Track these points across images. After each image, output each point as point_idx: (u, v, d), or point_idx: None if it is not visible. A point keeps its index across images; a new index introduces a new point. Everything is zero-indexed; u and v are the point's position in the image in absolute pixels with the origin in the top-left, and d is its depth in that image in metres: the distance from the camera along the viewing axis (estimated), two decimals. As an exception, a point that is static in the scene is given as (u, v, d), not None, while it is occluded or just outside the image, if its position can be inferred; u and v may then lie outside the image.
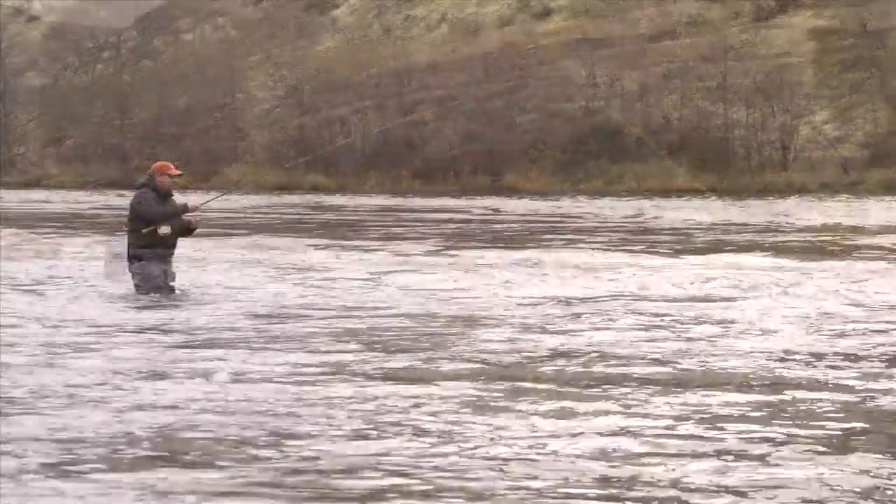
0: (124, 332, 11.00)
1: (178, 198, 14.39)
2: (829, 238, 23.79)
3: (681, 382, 8.39)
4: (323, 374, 8.66)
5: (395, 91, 63.35)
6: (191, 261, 17.24)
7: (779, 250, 20.34)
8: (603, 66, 60.61)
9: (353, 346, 10.28)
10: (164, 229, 13.34)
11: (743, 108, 57.56)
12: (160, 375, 8.71)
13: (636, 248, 21.18)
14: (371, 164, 60.96)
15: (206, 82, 67.32)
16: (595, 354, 9.61)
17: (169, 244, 13.55)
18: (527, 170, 57.50)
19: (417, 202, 44.46)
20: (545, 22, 70.41)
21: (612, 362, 9.26)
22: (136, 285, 13.51)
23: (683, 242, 22.81)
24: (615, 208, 38.52)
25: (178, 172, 13.81)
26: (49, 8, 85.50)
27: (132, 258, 13.55)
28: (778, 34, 61.76)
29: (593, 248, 21.06)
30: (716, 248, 21.26)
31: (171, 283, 13.58)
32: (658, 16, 63.24)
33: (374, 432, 6.84)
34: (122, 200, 40.84)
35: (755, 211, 36.51)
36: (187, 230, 13.73)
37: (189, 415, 7.23)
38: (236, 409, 7.28)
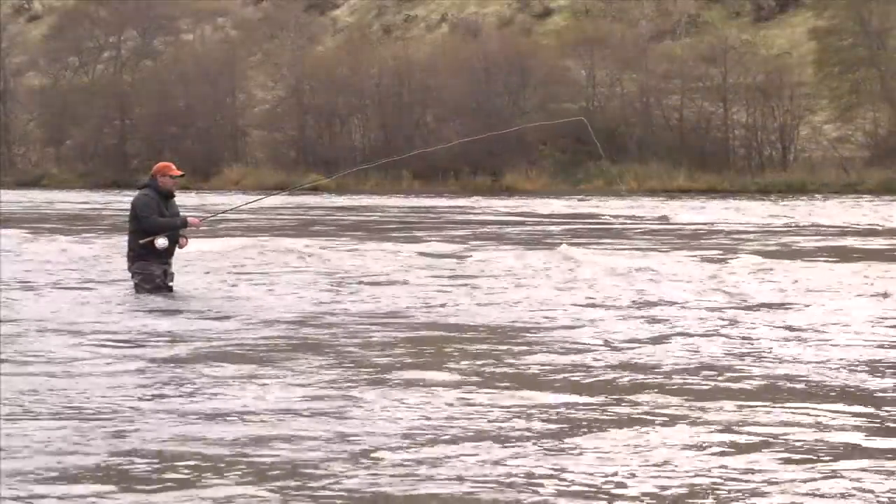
0: (147, 340, 10.98)
1: (181, 201, 14.43)
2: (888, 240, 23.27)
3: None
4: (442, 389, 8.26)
5: (395, 91, 63.38)
6: (248, 268, 16.97)
7: (838, 253, 19.98)
8: (603, 66, 60.66)
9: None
10: (161, 242, 13.27)
11: (743, 108, 57.61)
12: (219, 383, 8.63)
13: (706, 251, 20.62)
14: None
15: (206, 82, 67.33)
16: (723, 365, 9.13)
17: (170, 244, 13.55)
18: (527, 170, 57.52)
19: (461, 202, 44.49)
20: (545, 22, 70.50)
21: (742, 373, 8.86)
22: (136, 285, 13.50)
23: (739, 244, 22.35)
24: (638, 208, 38.49)
25: (180, 173, 13.78)
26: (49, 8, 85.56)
27: (132, 258, 13.57)
28: (778, 34, 61.82)
29: (667, 252, 20.22)
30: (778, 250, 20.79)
31: (170, 284, 13.59)
32: (658, 16, 63.30)
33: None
34: (120, 199, 40.94)
35: (777, 210, 36.31)
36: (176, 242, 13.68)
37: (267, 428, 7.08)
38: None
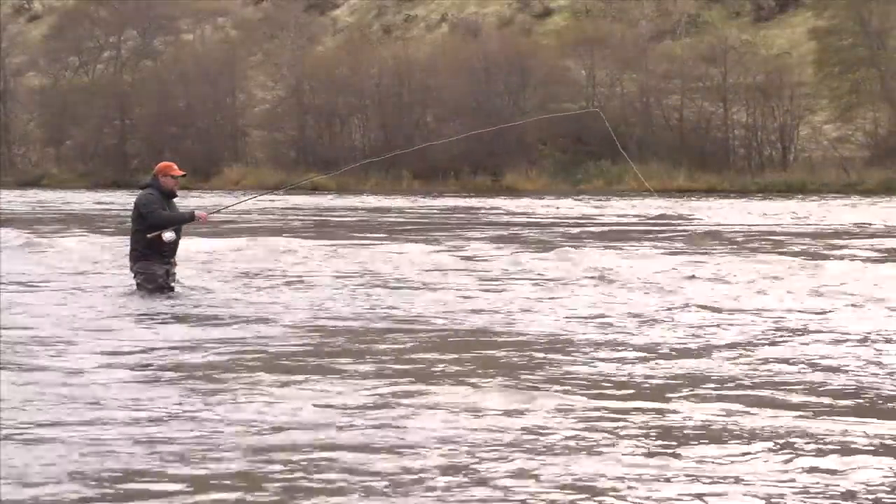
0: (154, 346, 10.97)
1: (182, 201, 14.41)
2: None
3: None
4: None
5: (395, 91, 63.37)
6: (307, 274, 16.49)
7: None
8: (603, 66, 60.65)
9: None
10: (169, 235, 13.35)
11: (743, 108, 57.61)
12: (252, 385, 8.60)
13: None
14: (371, 165, 60.93)
15: (206, 82, 67.32)
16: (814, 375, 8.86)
17: (175, 244, 13.57)
18: (527, 170, 57.50)
19: (489, 202, 44.28)
20: (545, 22, 70.50)
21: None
22: (138, 284, 13.55)
23: (787, 245, 22.12)
24: (647, 207, 38.38)
25: (181, 173, 13.84)
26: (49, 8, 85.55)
27: (135, 258, 13.61)
28: (778, 34, 61.81)
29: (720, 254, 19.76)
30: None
31: (173, 284, 13.62)
32: (658, 16, 63.29)
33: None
34: (121, 199, 40.96)
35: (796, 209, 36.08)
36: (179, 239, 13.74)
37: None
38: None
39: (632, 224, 29.87)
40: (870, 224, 28.61)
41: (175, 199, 13.91)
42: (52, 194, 53.69)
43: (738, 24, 62.60)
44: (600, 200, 44.11)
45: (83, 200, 47.06)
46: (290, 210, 38.45)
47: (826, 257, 19.00)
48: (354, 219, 33.37)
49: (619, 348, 10.02)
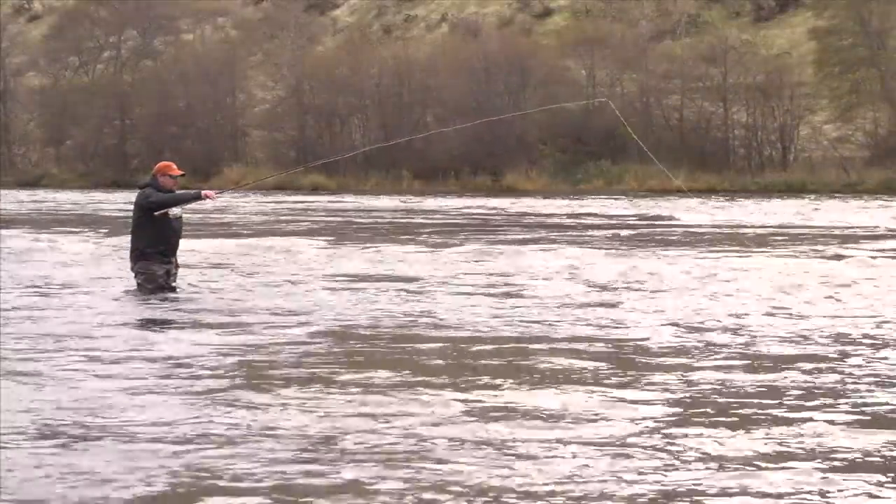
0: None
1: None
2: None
3: None
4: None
5: (395, 91, 63.37)
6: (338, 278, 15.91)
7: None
8: (603, 66, 60.65)
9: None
10: (175, 211, 13.52)
11: (743, 108, 57.61)
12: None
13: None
14: (371, 165, 61.02)
15: (206, 82, 67.33)
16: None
17: (172, 243, 13.60)
18: (527, 169, 57.50)
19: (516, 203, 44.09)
20: (545, 22, 70.51)
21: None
22: (138, 284, 13.60)
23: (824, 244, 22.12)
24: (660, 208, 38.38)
25: (180, 172, 13.90)
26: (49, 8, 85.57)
27: (135, 258, 13.67)
28: (778, 34, 61.82)
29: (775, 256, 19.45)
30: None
31: (173, 283, 13.64)
32: (658, 16, 63.30)
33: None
34: (119, 198, 40.95)
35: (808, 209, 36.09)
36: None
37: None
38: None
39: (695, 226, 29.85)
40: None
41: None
42: (53, 194, 53.71)
43: (738, 24, 62.61)
44: (644, 200, 43.88)
45: (83, 200, 47.06)
46: (302, 211, 38.38)
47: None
48: (438, 221, 32.94)
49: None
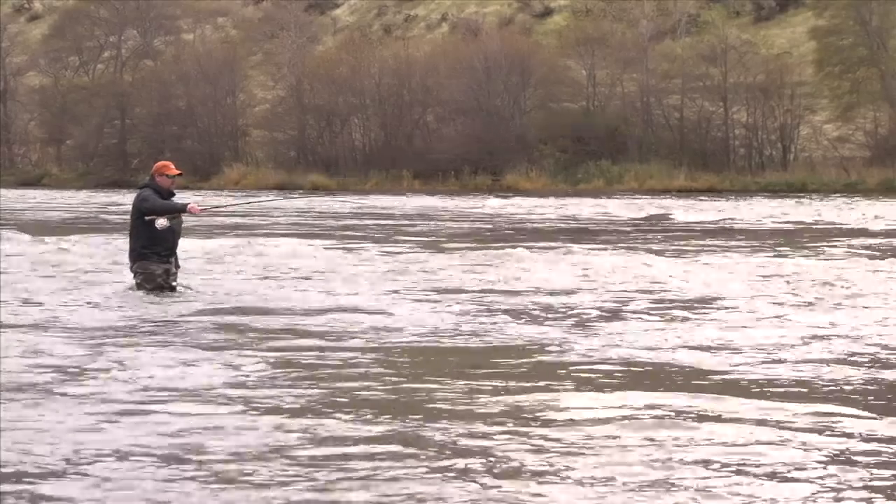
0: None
1: (179, 199, 14.39)
2: None
3: None
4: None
5: (395, 91, 63.38)
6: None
7: None
8: (603, 65, 60.66)
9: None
10: (162, 222, 13.44)
11: (743, 108, 57.62)
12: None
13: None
14: (371, 164, 61.06)
15: (206, 82, 67.33)
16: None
17: (170, 243, 13.61)
18: (527, 169, 57.52)
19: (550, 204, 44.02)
20: (545, 21, 70.52)
21: None
22: (137, 284, 13.63)
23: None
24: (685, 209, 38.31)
25: (177, 172, 13.90)
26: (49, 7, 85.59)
27: (134, 258, 13.70)
28: (778, 34, 61.84)
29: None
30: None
31: (174, 283, 13.65)
32: (658, 15, 63.29)
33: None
34: (120, 198, 40.95)
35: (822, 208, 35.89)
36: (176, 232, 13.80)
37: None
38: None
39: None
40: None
41: (175, 198, 13.99)
42: (53, 194, 53.72)
43: (739, 23, 62.62)
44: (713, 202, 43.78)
45: (83, 200, 47.07)
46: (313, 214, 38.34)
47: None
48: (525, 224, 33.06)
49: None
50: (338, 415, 7.33)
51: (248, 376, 8.62)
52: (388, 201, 43.53)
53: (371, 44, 68.71)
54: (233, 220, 30.45)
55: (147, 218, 13.49)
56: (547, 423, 7.13)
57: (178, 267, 13.97)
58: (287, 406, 7.60)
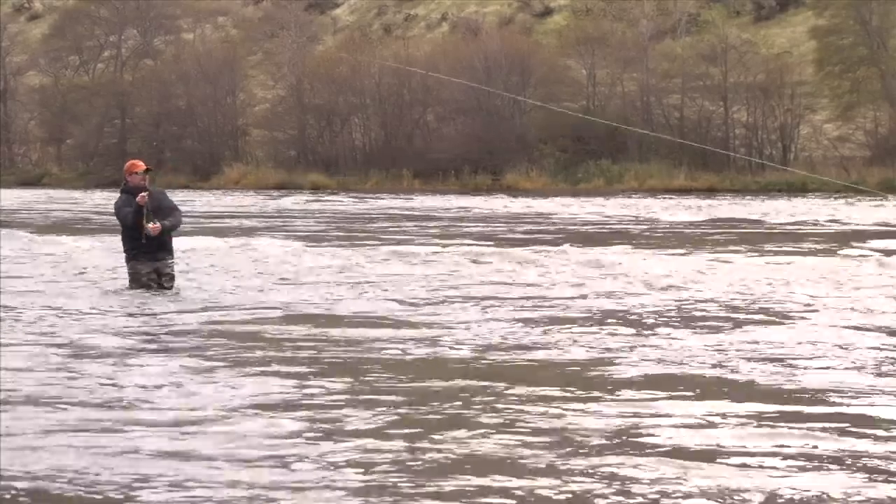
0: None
1: (183, 200, 14.41)
2: None
3: None
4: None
5: (395, 90, 63.34)
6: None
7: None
8: (603, 65, 60.63)
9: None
10: (151, 226, 13.50)
11: (743, 108, 57.59)
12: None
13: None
14: (371, 164, 61.03)
15: (206, 82, 67.31)
16: None
17: (160, 242, 13.69)
18: (527, 169, 57.48)
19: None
20: (545, 21, 70.49)
21: None
22: (128, 284, 13.90)
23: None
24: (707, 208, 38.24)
25: (144, 167, 13.94)
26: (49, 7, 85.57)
27: (125, 258, 13.95)
28: (778, 33, 61.81)
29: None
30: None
31: (166, 284, 13.74)
32: (658, 15, 63.27)
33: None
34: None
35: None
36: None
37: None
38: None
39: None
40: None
41: (176, 199, 14.12)
42: (53, 193, 53.67)
43: (739, 23, 62.60)
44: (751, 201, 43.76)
45: (83, 200, 47.02)
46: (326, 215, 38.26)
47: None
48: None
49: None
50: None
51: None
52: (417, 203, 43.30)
53: (371, 43, 68.68)
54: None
55: (145, 233, 13.55)
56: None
57: (172, 266, 13.99)
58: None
